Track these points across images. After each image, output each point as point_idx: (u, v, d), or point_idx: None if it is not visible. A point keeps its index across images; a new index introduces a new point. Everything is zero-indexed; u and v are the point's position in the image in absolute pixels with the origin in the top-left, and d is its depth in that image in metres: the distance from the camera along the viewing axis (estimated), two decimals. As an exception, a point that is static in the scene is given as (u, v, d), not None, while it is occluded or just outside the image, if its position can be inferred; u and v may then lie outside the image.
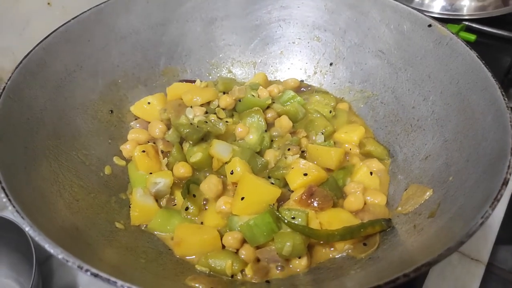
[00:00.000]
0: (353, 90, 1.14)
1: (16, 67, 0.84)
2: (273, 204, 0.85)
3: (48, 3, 1.25)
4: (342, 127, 1.06)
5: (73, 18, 0.98)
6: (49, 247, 0.58)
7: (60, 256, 0.57)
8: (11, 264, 0.98)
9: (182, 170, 0.95)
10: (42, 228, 0.62)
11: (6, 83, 0.80)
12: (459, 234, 0.62)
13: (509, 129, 0.72)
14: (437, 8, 1.57)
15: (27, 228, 0.60)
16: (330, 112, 1.08)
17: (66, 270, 0.98)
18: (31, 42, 0.90)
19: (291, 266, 0.82)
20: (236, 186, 0.90)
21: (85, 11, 1.00)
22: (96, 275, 0.55)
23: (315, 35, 1.17)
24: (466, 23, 1.49)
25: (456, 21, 1.50)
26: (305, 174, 0.88)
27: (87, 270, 0.56)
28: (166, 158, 0.99)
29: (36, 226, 0.61)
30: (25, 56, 0.87)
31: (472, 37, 1.43)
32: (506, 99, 0.77)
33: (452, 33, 0.92)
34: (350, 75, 1.15)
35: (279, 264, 0.82)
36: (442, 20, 0.96)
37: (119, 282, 0.55)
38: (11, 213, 0.63)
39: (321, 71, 1.19)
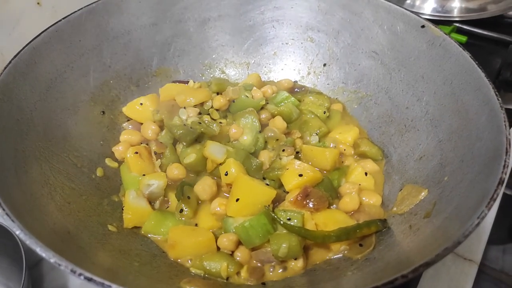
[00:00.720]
0: (347, 90, 1.14)
1: (5, 67, 0.82)
2: (268, 205, 0.84)
3: (38, 3, 1.24)
4: (336, 127, 1.06)
5: (63, 18, 0.96)
6: (41, 251, 0.57)
7: (52, 260, 0.56)
8: (0, 269, 0.95)
9: (176, 171, 0.93)
10: (33, 231, 0.60)
11: (-5, 83, 0.79)
12: (456, 234, 0.62)
13: (503, 129, 0.72)
14: (428, 10, 1.58)
15: (17, 232, 0.59)
16: (324, 112, 1.08)
17: (57, 274, 0.96)
18: (21, 42, 0.89)
19: (287, 267, 0.81)
20: (230, 188, 0.89)
21: (76, 11, 0.99)
22: (90, 279, 0.54)
23: (309, 36, 1.17)
24: (457, 24, 1.51)
25: (447, 22, 1.51)
26: (300, 175, 0.88)
27: (80, 274, 0.54)
28: (159, 160, 0.98)
29: (27, 229, 0.59)
30: (15, 56, 0.85)
31: (463, 38, 1.44)
32: (499, 99, 0.77)
33: (445, 34, 0.92)
34: (343, 76, 1.15)
35: (275, 265, 0.81)
36: (433, 22, 0.96)
37: (114, 286, 0.53)
38: (0, 217, 0.62)
39: (314, 72, 1.19)
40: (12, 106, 0.81)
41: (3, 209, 0.61)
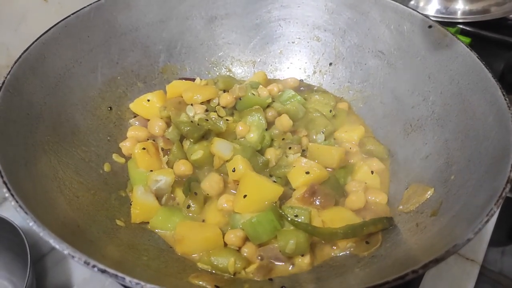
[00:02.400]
0: (353, 90, 1.15)
1: (16, 61, 0.82)
2: (276, 202, 0.84)
3: (44, -1, 1.24)
4: (342, 126, 1.07)
5: (73, 13, 0.96)
6: (54, 242, 0.57)
7: (66, 252, 0.56)
8: (4, 263, 0.95)
9: (183, 168, 0.94)
10: (45, 223, 0.60)
11: (6, 77, 0.79)
12: (465, 232, 0.62)
13: (511, 128, 0.73)
14: (432, 11, 1.59)
15: (31, 223, 0.59)
16: (330, 111, 1.08)
17: (60, 270, 0.96)
18: (27, 38, 0.88)
19: (294, 264, 0.82)
20: (237, 184, 0.90)
21: (85, 7, 0.99)
22: (103, 271, 0.54)
23: (315, 35, 1.18)
24: (460, 26, 1.51)
25: (451, 24, 1.52)
26: (307, 173, 0.88)
27: (94, 266, 0.55)
28: (166, 156, 0.98)
29: (40, 221, 0.59)
30: (25, 50, 0.85)
31: (466, 40, 1.44)
32: (507, 99, 0.78)
33: (453, 35, 0.93)
34: (349, 75, 1.15)
35: (282, 262, 0.81)
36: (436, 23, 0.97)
37: (127, 278, 0.54)
38: (4, 211, 0.61)
39: (320, 71, 1.20)
40: (22, 100, 0.81)
41: (16, 202, 0.61)
